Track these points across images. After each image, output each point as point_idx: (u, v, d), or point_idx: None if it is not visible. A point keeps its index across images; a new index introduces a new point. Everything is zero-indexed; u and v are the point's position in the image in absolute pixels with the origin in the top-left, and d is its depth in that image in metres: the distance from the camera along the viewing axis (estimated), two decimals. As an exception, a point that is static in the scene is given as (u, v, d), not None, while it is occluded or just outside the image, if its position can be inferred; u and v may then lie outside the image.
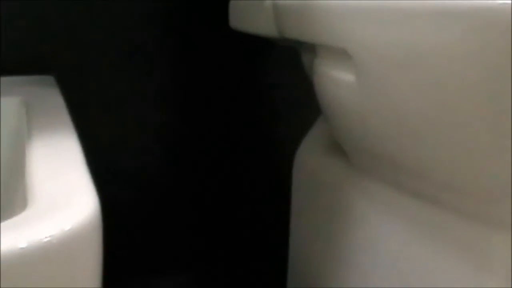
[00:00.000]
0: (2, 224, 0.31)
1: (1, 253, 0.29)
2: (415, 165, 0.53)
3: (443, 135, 0.48)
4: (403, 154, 0.53)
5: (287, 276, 0.82)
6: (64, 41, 0.81)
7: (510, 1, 0.39)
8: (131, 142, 0.86)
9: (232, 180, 0.93)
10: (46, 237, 0.30)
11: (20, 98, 0.62)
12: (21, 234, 0.30)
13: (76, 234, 0.30)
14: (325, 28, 0.55)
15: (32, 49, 0.80)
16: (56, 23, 0.81)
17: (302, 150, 0.78)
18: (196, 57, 0.88)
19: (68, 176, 0.34)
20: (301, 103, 0.93)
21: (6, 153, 0.58)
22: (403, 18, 0.47)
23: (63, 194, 0.32)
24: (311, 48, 0.76)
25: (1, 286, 0.28)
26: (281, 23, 0.67)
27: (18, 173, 0.49)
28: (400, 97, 0.49)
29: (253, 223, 0.94)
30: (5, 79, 0.73)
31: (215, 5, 0.87)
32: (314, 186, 0.73)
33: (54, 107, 0.57)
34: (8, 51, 0.78)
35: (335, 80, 0.57)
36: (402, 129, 0.51)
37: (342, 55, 0.55)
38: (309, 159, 0.76)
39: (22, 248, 0.29)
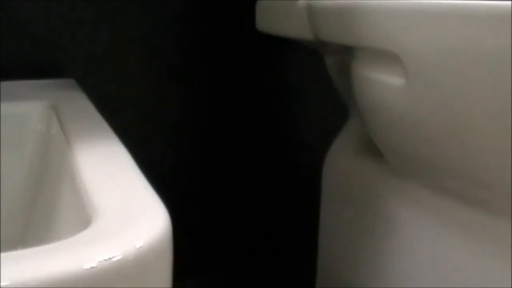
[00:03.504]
0: (64, 242, 0.28)
1: (67, 274, 0.26)
2: (463, 168, 0.52)
3: (500, 139, 0.46)
4: (451, 157, 0.52)
5: (316, 278, 0.80)
6: (79, 44, 0.79)
7: None
8: (151, 145, 0.84)
9: (257, 182, 0.90)
10: (117, 256, 0.27)
11: (46, 102, 0.59)
12: (90, 253, 0.27)
13: (149, 251, 0.27)
14: (371, 31, 0.53)
15: (46, 51, 0.77)
16: (72, 25, 0.78)
17: (333, 153, 0.76)
18: (219, 59, 0.85)
19: (130, 188, 0.32)
20: (326, 105, 0.91)
21: (33, 158, 0.56)
22: (460, 21, 0.46)
23: (130, 208, 0.29)
24: (339, 50, 0.74)
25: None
26: (317, 25, 0.64)
27: (52, 181, 0.47)
28: (455, 101, 0.48)
29: (280, 224, 0.92)
30: (26, 83, 0.70)
31: (240, 6, 0.85)
32: (347, 188, 0.72)
33: (86, 112, 0.54)
34: (22, 55, 0.76)
35: (380, 83, 0.55)
36: (454, 132, 0.50)
37: (390, 58, 0.53)
38: (341, 161, 0.74)
39: (91, 268, 0.27)
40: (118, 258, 0.27)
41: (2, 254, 0.28)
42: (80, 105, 0.58)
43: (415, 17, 0.48)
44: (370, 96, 0.57)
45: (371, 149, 0.72)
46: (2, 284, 0.25)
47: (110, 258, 0.27)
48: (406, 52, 0.50)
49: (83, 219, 0.30)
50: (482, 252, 0.52)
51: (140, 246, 0.28)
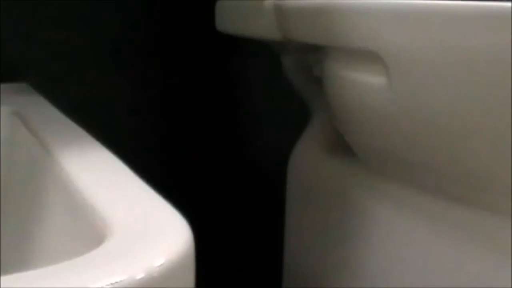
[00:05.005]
0: (74, 261, 0.26)
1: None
2: (444, 165, 0.52)
3: (478, 136, 0.47)
4: (429, 154, 0.52)
5: (283, 278, 0.79)
6: (34, 46, 0.75)
7: None
8: (113, 148, 0.81)
9: (221, 184, 0.89)
10: (137, 276, 0.25)
11: (7, 108, 0.56)
12: (105, 273, 0.25)
13: (170, 270, 0.25)
14: (352, 31, 0.53)
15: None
16: (27, 26, 0.75)
17: (298, 153, 0.76)
18: (179, 60, 0.83)
19: (140, 199, 0.29)
20: (286, 105, 0.91)
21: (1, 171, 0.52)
22: (443, 20, 0.46)
23: (147, 221, 0.27)
24: (300, 50, 0.73)
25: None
26: (287, 25, 0.63)
27: (32, 194, 0.43)
28: (438, 99, 0.48)
29: (244, 226, 0.91)
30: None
31: (198, 6, 0.83)
32: (315, 188, 0.71)
33: (54, 118, 0.51)
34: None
35: (359, 83, 0.55)
36: (436, 130, 0.50)
37: (370, 58, 0.52)
38: (307, 161, 0.74)
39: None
40: (140, 276, 0.25)
41: (2, 277, 0.25)
42: (45, 110, 0.54)
43: (398, 17, 0.48)
44: (348, 96, 0.57)
45: (338, 148, 0.72)
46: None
47: (130, 278, 0.25)
48: (387, 52, 0.50)
49: (93, 236, 0.27)
50: (463, 248, 0.53)
51: (160, 265, 0.25)
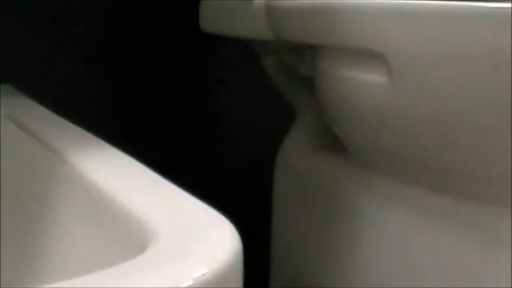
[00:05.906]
0: (114, 268, 0.25)
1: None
2: (444, 161, 0.53)
3: (478, 133, 0.48)
4: (429, 151, 0.53)
5: (270, 278, 0.79)
6: (17, 46, 0.73)
7: None
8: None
9: (201, 187, 0.88)
10: (184, 283, 0.24)
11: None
12: (153, 280, 0.24)
13: (218, 278, 0.25)
14: (352, 31, 0.53)
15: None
16: (16, 26, 0.73)
17: (287, 151, 0.75)
18: (160, 61, 0.82)
19: (176, 202, 0.28)
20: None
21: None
22: (445, 20, 0.46)
23: (190, 227, 0.26)
24: (284, 50, 0.73)
25: None
26: (280, 25, 0.63)
27: (48, 202, 0.41)
28: (440, 98, 0.49)
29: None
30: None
31: (181, 7, 0.82)
32: (303, 185, 0.71)
33: (51, 120, 0.49)
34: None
35: (359, 82, 0.55)
36: (435, 127, 0.51)
37: (371, 57, 0.53)
38: (297, 159, 0.74)
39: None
40: (187, 284, 0.24)
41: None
42: (38, 112, 0.53)
43: (402, 17, 0.49)
44: (346, 95, 0.57)
45: (325, 145, 0.72)
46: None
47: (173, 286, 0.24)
48: (392, 51, 0.50)
49: (132, 243, 0.26)
50: (460, 243, 0.53)
51: (206, 272, 0.25)
